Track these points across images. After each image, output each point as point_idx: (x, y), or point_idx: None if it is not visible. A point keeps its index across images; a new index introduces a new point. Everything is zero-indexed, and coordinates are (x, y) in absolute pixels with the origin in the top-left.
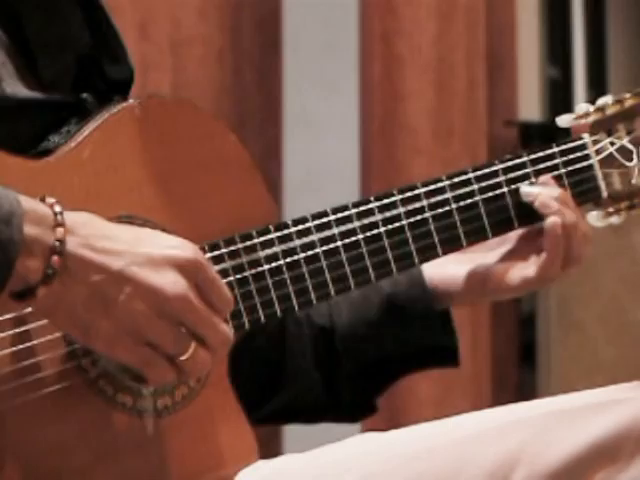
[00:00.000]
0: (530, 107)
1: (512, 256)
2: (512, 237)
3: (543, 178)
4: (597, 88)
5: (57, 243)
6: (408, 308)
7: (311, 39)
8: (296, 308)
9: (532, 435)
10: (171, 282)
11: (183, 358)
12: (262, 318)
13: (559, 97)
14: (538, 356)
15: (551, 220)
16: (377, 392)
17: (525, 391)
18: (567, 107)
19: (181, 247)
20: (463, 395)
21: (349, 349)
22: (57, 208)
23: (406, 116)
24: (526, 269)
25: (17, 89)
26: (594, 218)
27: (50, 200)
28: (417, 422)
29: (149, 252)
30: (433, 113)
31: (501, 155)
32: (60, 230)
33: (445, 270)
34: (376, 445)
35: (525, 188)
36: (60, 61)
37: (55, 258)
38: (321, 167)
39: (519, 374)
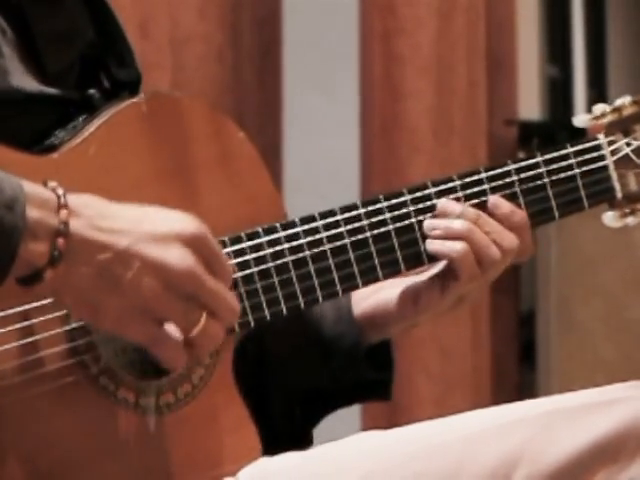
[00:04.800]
0: (530, 106)
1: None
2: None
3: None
4: (597, 87)
5: (62, 225)
6: (334, 344)
7: (311, 39)
8: (302, 306)
9: (533, 434)
10: (178, 256)
11: (195, 332)
12: (267, 316)
13: (559, 96)
14: (538, 355)
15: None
16: (311, 424)
17: (525, 390)
18: (567, 106)
19: (185, 221)
20: (463, 394)
21: (278, 381)
22: (59, 191)
23: (406, 115)
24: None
25: (25, 82)
26: (610, 219)
27: (52, 184)
28: (417, 421)
29: (154, 228)
30: (433, 112)
31: (501, 154)
32: (64, 212)
33: (379, 296)
34: (376, 444)
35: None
36: (65, 55)
37: (60, 240)
38: (321, 167)
39: (519, 373)
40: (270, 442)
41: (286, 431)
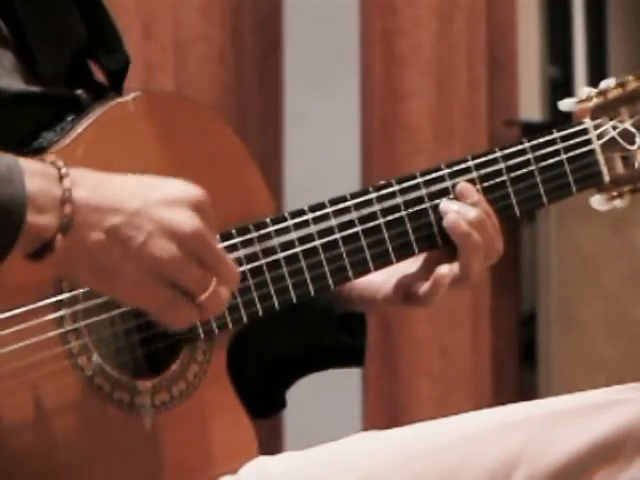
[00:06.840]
0: (531, 106)
1: (432, 263)
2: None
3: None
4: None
5: (67, 193)
6: (306, 308)
7: (311, 39)
8: (312, 294)
9: (533, 435)
10: (187, 219)
11: (205, 295)
12: (260, 311)
13: (560, 96)
14: (538, 356)
15: (449, 218)
16: (284, 387)
17: (525, 391)
18: None
19: (188, 187)
20: (463, 394)
21: (250, 346)
22: (59, 163)
23: (406, 116)
24: (444, 269)
25: (11, 82)
26: (597, 202)
27: (50, 158)
28: (417, 421)
29: (161, 192)
30: (434, 113)
31: None
32: (67, 180)
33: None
34: (376, 444)
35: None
36: (58, 56)
37: (68, 207)
38: (321, 167)
39: (519, 374)
40: (243, 405)
41: (259, 394)
